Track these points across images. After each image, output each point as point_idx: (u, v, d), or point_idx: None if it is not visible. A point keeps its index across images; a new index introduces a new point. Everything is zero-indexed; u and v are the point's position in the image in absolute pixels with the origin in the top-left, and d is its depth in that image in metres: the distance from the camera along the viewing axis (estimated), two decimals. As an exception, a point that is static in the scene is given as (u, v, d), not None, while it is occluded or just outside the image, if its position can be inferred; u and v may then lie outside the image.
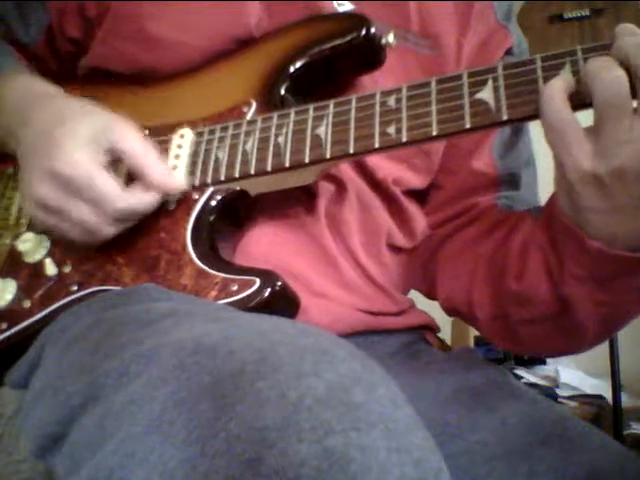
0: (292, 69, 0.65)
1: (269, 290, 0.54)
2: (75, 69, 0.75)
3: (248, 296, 0.54)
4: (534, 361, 1.93)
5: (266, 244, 0.64)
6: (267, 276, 0.55)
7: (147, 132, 0.67)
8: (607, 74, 0.47)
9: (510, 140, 0.74)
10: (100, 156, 0.57)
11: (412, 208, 0.74)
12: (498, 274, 0.65)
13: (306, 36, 0.66)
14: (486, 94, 0.53)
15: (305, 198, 0.66)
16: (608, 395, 1.67)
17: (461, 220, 0.74)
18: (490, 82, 0.54)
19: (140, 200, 0.58)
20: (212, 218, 0.60)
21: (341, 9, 0.72)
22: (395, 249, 0.74)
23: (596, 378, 1.84)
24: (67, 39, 0.76)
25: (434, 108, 0.55)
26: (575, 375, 1.86)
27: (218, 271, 0.56)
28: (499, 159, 0.74)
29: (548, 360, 1.92)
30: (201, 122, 0.65)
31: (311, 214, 0.66)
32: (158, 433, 0.35)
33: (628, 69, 0.47)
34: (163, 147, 0.65)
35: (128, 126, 0.59)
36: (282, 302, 0.56)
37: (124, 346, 0.43)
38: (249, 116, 0.64)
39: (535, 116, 0.52)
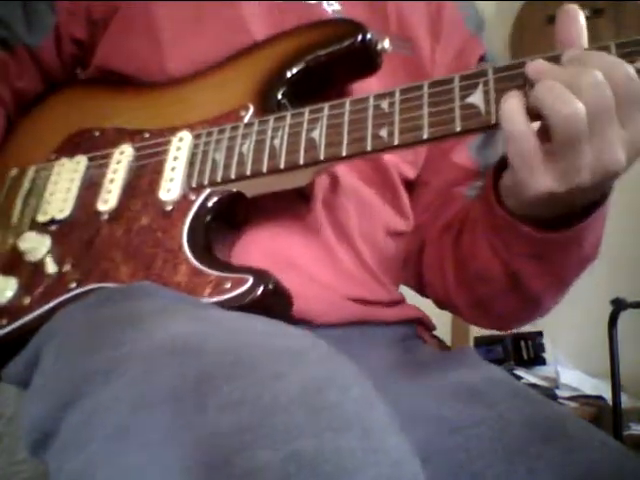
0: (289, 74, 0.66)
1: (261, 288, 0.55)
2: (75, 75, 0.78)
3: (241, 294, 0.55)
4: (534, 362, 1.93)
5: (265, 237, 0.65)
6: (260, 275, 0.56)
7: (148, 135, 0.69)
8: (566, 109, 0.48)
9: (486, 138, 0.77)
10: None
11: (405, 193, 0.76)
12: (460, 259, 0.69)
13: (303, 42, 0.68)
14: (476, 98, 0.54)
15: (302, 191, 0.67)
16: (608, 396, 1.67)
17: (436, 214, 0.77)
18: (481, 86, 0.55)
19: None
20: (208, 219, 0.61)
21: (330, 9, 0.74)
22: (391, 234, 0.75)
23: (596, 378, 1.84)
24: (72, 40, 0.78)
25: (426, 112, 0.56)
26: (575, 376, 1.86)
27: (212, 269, 0.57)
28: (476, 155, 0.77)
29: (548, 360, 1.93)
30: (199, 125, 0.67)
31: (308, 204, 0.67)
32: (128, 436, 0.36)
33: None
34: (163, 149, 0.66)
35: None
36: (275, 300, 0.57)
37: (106, 347, 0.44)
38: (246, 119, 0.65)
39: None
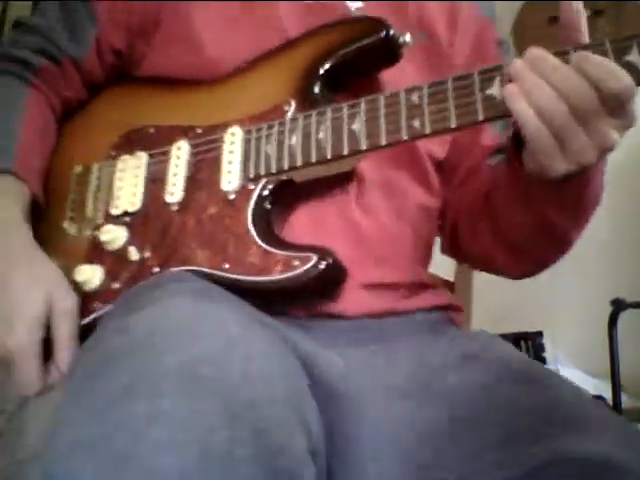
0: (322, 71, 0.76)
1: (324, 264, 0.66)
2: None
3: (307, 270, 0.65)
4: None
5: (304, 225, 0.74)
6: (322, 252, 0.66)
7: (200, 131, 0.78)
8: (521, 115, 0.60)
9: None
10: (38, 332, 0.68)
11: (433, 172, 0.86)
12: (491, 213, 0.79)
13: (333, 39, 0.77)
14: (495, 90, 0.64)
15: (340, 184, 0.76)
16: (608, 396, 1.69)
17: (467, 188, 0.86)
18: (497, 79, 0.64)
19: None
20: (267, 204, 0.71)
21: (353, 6, 0.83)
22: (423, 210, 0.84)
23: (596, 378, 1.87)
24: (112, 50, 0.86)
25: (451, 104, 0.65)
26: (575, 376, 1.88)
27: (279, 250, 0.67)
28: (499, 131, 0.87)
29: (548, 360, 1.97)
30: (248, 121, 0.76)
31: (345, 189, 0.76)
32: None
33: None
34: (217, 145, 0.76)
35: (67, 301, 0.71)
36: (334, 274, 0.67)
37: None
38: (290, 114, 0.74)
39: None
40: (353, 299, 0.73)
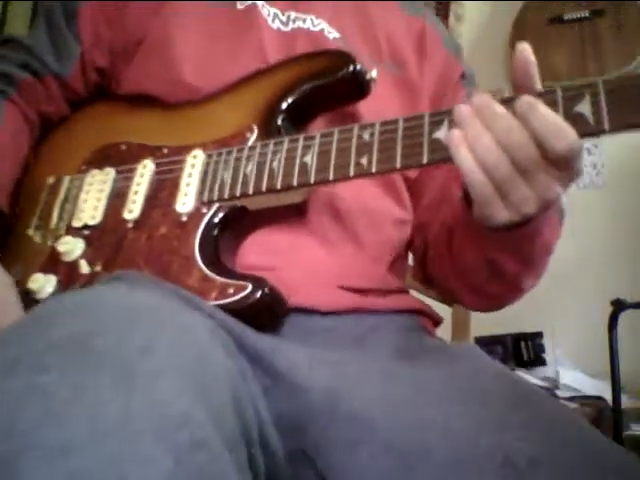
0: (285, 105, 0.77)
1: (259, 293, 0.66)
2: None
3: (241, 298, 0.66)
4: (534, 362, 1.95)
5: (264, 233, 0.74)
6: (258, 282, 0.66)
7: (166, 151, 0.80)
8: (463, 167, 0.59)
9: None
10: None
11: (404, 189, 0.87)
12: (452, 256, 0.79)
13: (300, 72, 0.78)
14: (442, 134, 0.64)
15: (294, 214, 0.76)
16: (608, 396, 1.68)
17: (435, 213, 0.87)
18: (446, 122, 0.64)
19: None
20: (216, 231, 0.71)
21: (330, 36, 0.85)
22: (396, 222, 0.85)
23: (596, 378, 1.85)
24: (95, 69, 0.89)
25: (399, 145, 0.65)
26: (575, 376, 1.88)
27: (219, 276, 0.68)
28: None
29: (548, 361, 1.96)
30: (211, 145, 0.77)
31: (306, 206, 0.75)
32: None
33: None
34: (179, 166, 0.77)
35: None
36: (271, 301, 0.67)
37: None
38: (251, 141, 0.75)
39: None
40: (327, 296, 0.73)
